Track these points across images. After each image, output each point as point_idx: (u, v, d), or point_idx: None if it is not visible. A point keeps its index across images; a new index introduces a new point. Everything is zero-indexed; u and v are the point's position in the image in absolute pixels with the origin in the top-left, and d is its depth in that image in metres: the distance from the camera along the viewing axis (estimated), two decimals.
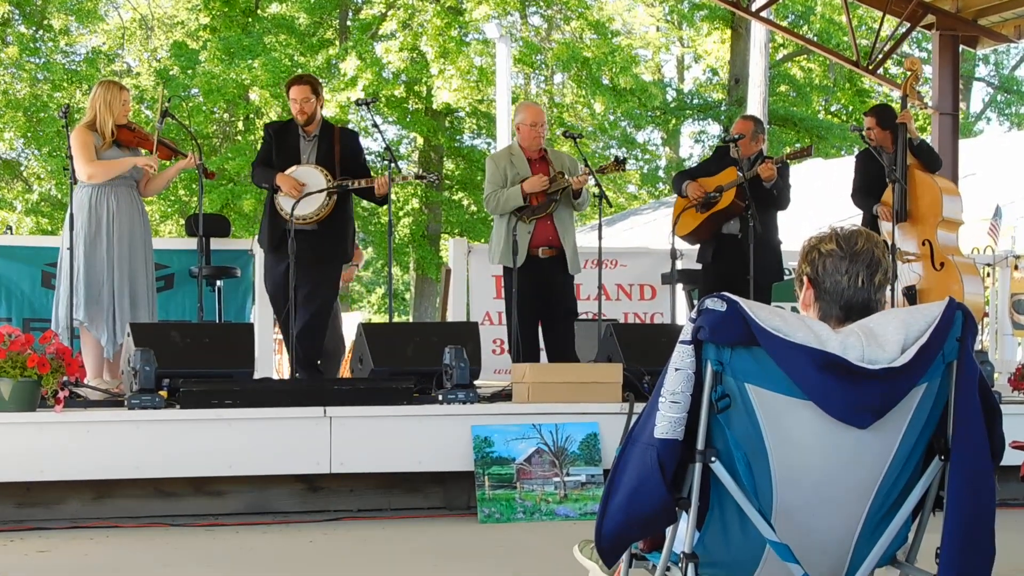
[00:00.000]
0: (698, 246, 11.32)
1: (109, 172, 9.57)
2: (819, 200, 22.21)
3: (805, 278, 4.00)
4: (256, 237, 10.65)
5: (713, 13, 37.80)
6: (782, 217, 11.30)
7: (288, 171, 9.99)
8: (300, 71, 28.35)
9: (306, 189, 9.91)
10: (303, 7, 32.57)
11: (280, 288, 10.14)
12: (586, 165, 10.57)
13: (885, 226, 10.69)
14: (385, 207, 10.88)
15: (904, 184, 10.63)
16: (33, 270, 11.56)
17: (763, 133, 11.31)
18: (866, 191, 11.17)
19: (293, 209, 9.73)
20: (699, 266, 11.34)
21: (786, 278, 11.27)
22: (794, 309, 4.03)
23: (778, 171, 10.74)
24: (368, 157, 34.69)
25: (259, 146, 10.72)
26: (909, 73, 11.22)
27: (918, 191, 10.70)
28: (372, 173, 10.28)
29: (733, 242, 10.97)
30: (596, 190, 10.49)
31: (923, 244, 10.72)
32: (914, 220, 10.72)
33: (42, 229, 32.04)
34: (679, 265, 11.17)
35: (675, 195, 11.45)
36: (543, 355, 10.71)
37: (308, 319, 10.12)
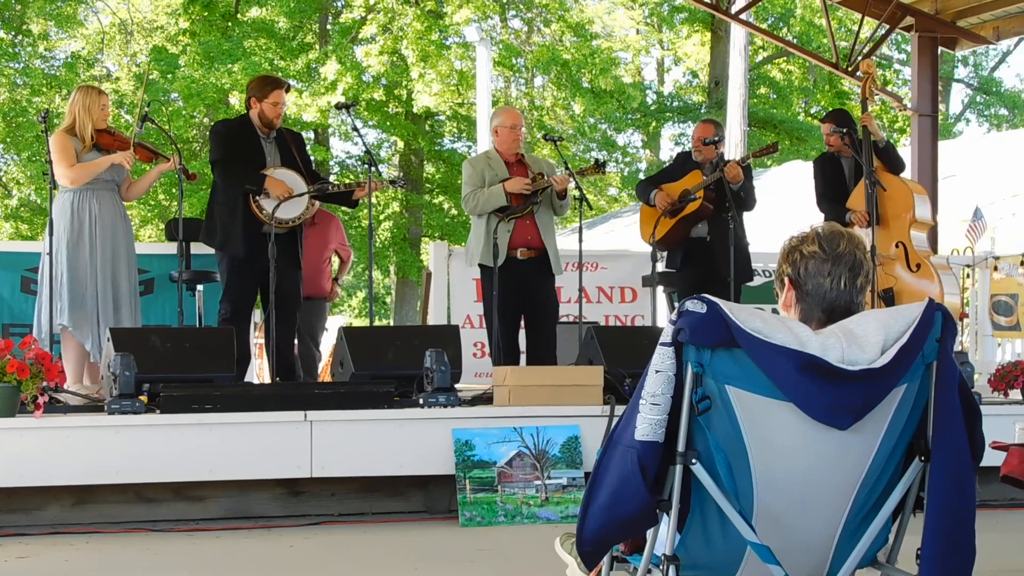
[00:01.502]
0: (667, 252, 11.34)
1: (90, 173, 9.55)
2: (800, 202, 22.23)
3: (787, 279, 3.99)
4: (216, 242, 10.16)
5: (693, 16, 37.88)
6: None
7: (271, 174, 9.92)
8: (280, 75, 28.34)
9: (290, 192, 9.87)
10: (283, 11, 32.52)
11: (249, 294, 10.07)
12: (567, 167, 10.58)
13: (859, 231, 10.66)
14: (365, 211, 10.83)
15: (882, 187, 10.62)
16: (13, 276, 11.54)
17: (722, 136, 11.30)
18: (830, 197, 11.17)
19: (274, 212, 9.69)
20: None
21: (756, 279, 11.29)
22: (775, 311, 4.03)
23: (743, 171, 10.76)
24: (348, 161, 34.95)
25: (212, 145, 10.30)
26: (867, 75, 11.22)
27: (888, 193, 10.69)
28: (352, 178, 10.23)
29: (702, 245, 11.00)
30: (577, 192, 10.49)
31: (896, 246, 10.71)
32: (885, 223, 10.70)
33: (22, 235, 31.98)
34: (660, 267, 11.18)
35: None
36: (523, 357, 10.69)
37: (283, 323, 10.06)
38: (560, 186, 10.39)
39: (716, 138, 11.04)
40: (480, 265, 10.56)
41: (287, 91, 10.31)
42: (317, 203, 10.27)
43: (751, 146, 32.57)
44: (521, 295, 10.46)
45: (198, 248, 11.15)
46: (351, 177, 32.71)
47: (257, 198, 9.80)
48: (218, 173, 10.05)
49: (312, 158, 10.71)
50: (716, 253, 10.84)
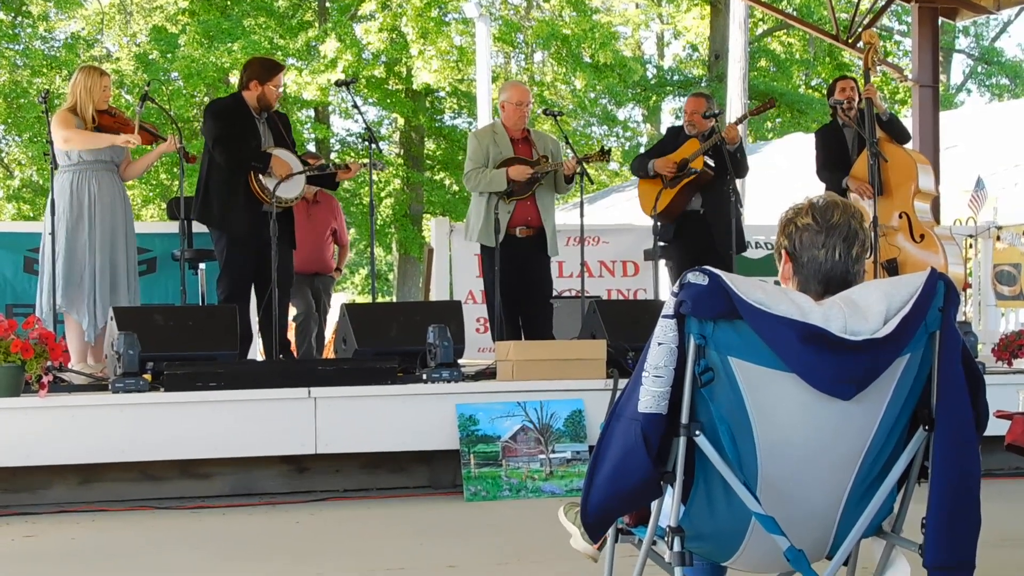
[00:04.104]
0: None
1: (87, 142, 9.52)
2: (800, 173, 22.22)
3: (784, 251, 3.99)
4: (215, 221, 10.07)
5: None
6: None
7: (274, 153, 9.90)
8: (282, 55, 28.33)
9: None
10: None
11: (248, 272, 10.06)
12: (573, 152, 10.57)
13: (859, 200, 10.64)
14: (366, 188, 10.83)
15: (885, 158, 10.61)
16: (16, 256, 11.54)
17: (715, 108, 11.30)
18: (832, 166, 11.16)
19: (275, 190, 9.67)
20: None
21: (758, 251, 11.27)
22: (776, 283, 4.02)
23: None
24: (349, 139, 34.94)
25: (210, 124, 10.21)
26: (868, 46, 11.20)
27: (891, 163, 10.67)
28: (353, 155, 10.25)
29: (695, 218, 11.01)
30: (579, 168, 10.47)
31: (900, 217, 10.70)
32: (889, 193, 10.68)
33: (24, 215, 32.01)
34: (663, 238, 11.17)
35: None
36: (523, 333, 10.70)
37: (281, 302, 10.06)
38: (569, 171, 10.39)
39: (717, 111, 11.03)
40: (480, 243, 10.57)
41: (284, 72, 10.37)
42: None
43: (751, 120, 32.54)
44: (518, 272, 10.45)
45: (200, 227, 11.15)
46: (352, 155, 32.68)
47: (260, 177, 9.76)
48: (219, 151, 9.91)
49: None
50: (711, 225, 10.84)
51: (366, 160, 10.41)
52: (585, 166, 10.48)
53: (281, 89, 10.25)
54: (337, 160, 10.04)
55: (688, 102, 11.50)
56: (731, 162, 10.66)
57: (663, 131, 12.01)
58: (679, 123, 11.45)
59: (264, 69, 10.19)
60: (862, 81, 11.17)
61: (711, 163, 10.78)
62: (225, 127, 10.01)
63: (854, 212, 3.96)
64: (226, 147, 9.94)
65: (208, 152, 10.01)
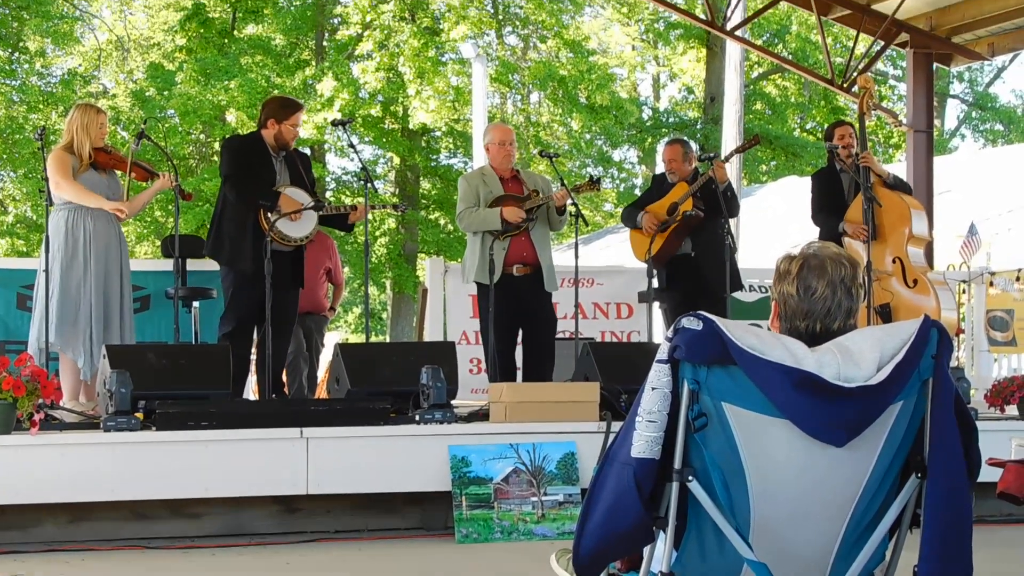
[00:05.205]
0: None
1: (78, 197, 9.53)
2: (795, 217, 22.25)
3: (775, 298, 4.01)
4: (224, 257, 10.08)
5: (688, 32, 37.95)
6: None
7: (283, 191, 9.90)
8: (277, 92, 28.35)
9: (301, 212, 9.86)
10: (279, 28, 32.59)
11: (253, 310, 10.01)
12: (563, 184, 10.58)
13: (853, 244, 10.65)
14: (361, 227, 10.81)
15: (879, 203, 10.62)
16: (9, 292, 11.53)
17: (692, 152, 11.33)
18: (827, 211, 11.15)
19: (272, 227, 9.64)
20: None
21: (752, 294, 11.26)
22: (769, 328, 4.03)
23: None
24: (345, 178, 34.97)
25: (224, 160, 10.23)
26: (864, 91, 11.23)
27: (885, 208, 10.68)
28: (348, 194, 10.25)
29: (686, 261, 11.01)
30: (573, 208, 10.48)
31: (894, 262, 10.70)
32: (883, 237, 10.69)
33: (18, 251, 31.99)
34: (655, 283, 11.17)
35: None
36: (519, 374, 10.68)
37: (280, 341, 10.05)
38: (560, 202, 10.38)
39: (712, 154, 11.03)
40: (476, 282, 10.56)
41: (303, 110, 10.38)
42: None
43: (746, 161, 32.58)
44: (517, 310, 10.43)
45: (194, 265, 11.15)
46: (347, 194, 32.72)
47: (269, 215, 9.73)
48: (230, 187, 9.93)
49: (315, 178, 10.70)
50: (703, 267, 10.85)
51: (392, 201, 10.45)
52: (579, 206, 10.48)
53: (299, 128, 10.25)
54: (349, 202, 10.03)
55: (665, 150, 11.51)
56: (724, 200, 10.67)
57: (656, 172, 12.05)
58: (663, 171, 11.46)
59: (281, 108, 10.19)
60: (857, 124, 11.17)
61: (701, 205, 10.78)
62: (238, 164, 10.02)
63: (844, 260, 3.97)
64: (237, 184, 9.94)
65: (222, 188, 10.05)
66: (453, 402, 8.94)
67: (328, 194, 32.15)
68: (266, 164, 10.01)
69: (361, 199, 10.17)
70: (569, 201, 10.42)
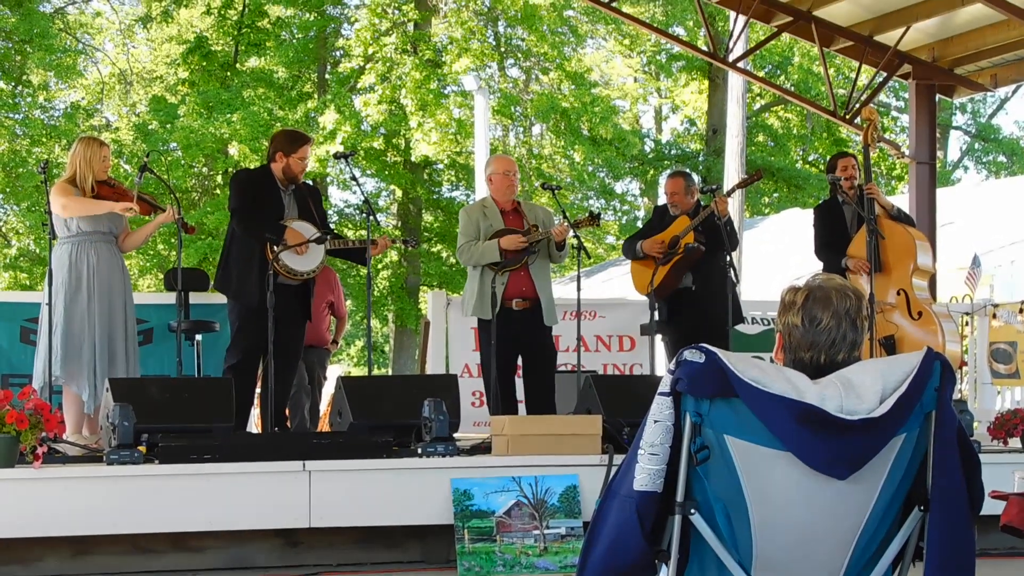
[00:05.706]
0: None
1: (85, 209, 9.53)
2: (798, 250, 22.25)
3: (780, 329, 4.00)
4: (231, 291, 10.10)
5: (691, 64, 38.02)
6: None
7: (290, 225, 9.91)
8: (280, 125, 28.40)
9: (308, 246, 9.86)
10: (281, 61, 32.63)
11: (260, 343, 9.97)
12: (564, 217, 10.57)
13: (858, 280, 10.63)
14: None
15: (883, 236, 10.62)
16: (12, 326, 11.51)
17: (694, 185, 11.34)
18: (830, 246, 11.13)
19: (277, 260, 9.64)
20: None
21: (754, 327, 11.24)
22: (772, 360, 4.02)
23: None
24: (347, 211, 34.97)
25: (232, 194, 10.27)
26: (868, 123, 11.24)
27: (889, 241, 10.67)
28: (351, 227, 10.24)
29: (687, 295, 11.00)
30: (575, 241, 10.48)
31: (898, 294, 10.69)
32: (887, 270, 10.68)
33: (21, 284, 31.99)
34: (657, 316, 11.16)
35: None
36: (521, 407, 10.66)
37: (286, 374, 10.05)
38: (559, 237, 10.37)
39: (715, 186, 11.05)
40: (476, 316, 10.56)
41: (311, 143, 10.40)
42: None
43: (749, 193, 32.57)
44: (517, 344, 10.41)
45: (197, 298, 11.14)
46: (350, 226, 32.74)
47: (275, 248, 9.73)
48: (237, 220, 9.98)
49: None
50: (704, 300, 10.85)
51: (403, 237, 10.46)
52: (581, 238, 10.46)
53: (308, 161, 10.26)
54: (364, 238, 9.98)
55: (667, 183, 11.53)
56: (725, 234, 10.67)
57: (658, 204, 12.06)
58: (664, 203, 11.47)
59: (289, 141, 10.20)
60: (861, 157, 11.18)
61: (702, 239, 10.79)
62: (246, 197, 10.05)
63: (849, 293, 3.96)
64: (243, 217, 9.98)
65: (231, 222, 10.08)
66: (455, 435, 8.93)
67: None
68: (274, 197, 10.02)
69: (372, 232, 10.14)
70: (571, 234, 10.42)
